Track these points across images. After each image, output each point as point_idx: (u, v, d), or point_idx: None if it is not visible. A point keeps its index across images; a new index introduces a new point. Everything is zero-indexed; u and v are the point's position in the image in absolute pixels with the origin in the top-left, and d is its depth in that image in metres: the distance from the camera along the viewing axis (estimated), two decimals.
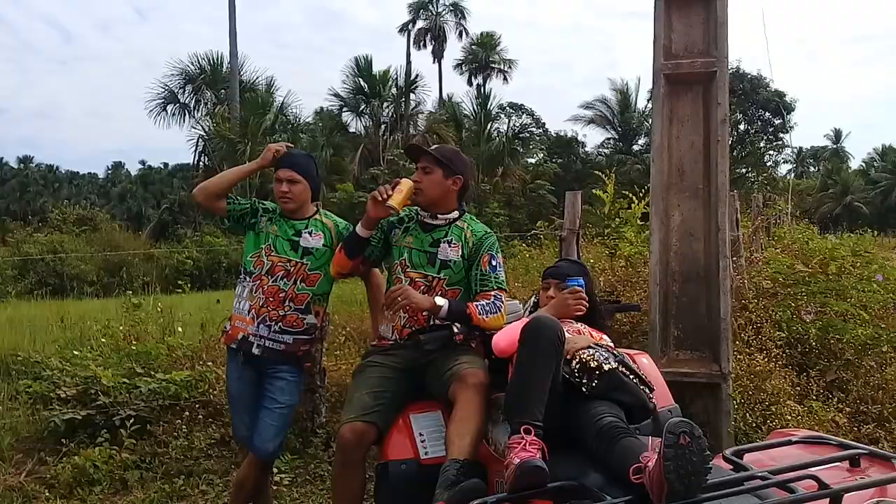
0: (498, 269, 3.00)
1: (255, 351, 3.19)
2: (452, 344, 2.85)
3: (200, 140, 28.02)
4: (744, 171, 30.21)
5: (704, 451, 1.75)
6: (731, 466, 2.10)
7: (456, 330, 2.86)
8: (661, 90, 4.13)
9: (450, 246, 2.98)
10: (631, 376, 2.47)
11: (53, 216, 24.70)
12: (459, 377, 2.65)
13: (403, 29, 40.87)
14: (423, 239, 3.02)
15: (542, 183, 28.94)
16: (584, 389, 2.37)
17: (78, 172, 66.65)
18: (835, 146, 56.55)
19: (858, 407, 4.41)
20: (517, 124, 35.38)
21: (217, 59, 29.56)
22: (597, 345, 2.58)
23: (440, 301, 2.83)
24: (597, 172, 9.04)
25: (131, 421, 4.39)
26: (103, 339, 5.65)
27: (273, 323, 3.19)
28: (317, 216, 3.38)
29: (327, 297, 3.43)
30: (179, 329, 5.96)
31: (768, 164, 33.05)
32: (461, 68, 41.72)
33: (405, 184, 2.92)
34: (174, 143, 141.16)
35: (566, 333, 2.52)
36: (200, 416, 4.61)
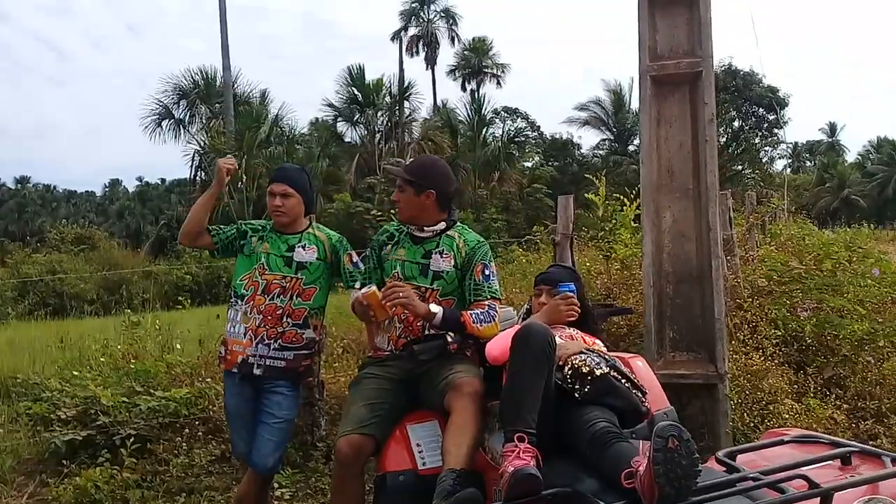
0: (491, 278, 3.01)
1: (257, 371, 3.20)
2: (447, 353, 2.88)
3: (196, 154, 28.06)
4: (739, 168, 30.24)
5: (694, 453, 1.76)
6: (724, 468, 2.12)
7: (450, 339, 2.89)
8: (647, 91, 4.16)
9: (441, 256, 2.99)
10: (623, 380, 2.49)
11: (51, 236, 24.75)
12: (454, 386, 2.66)
13: (395, 37, 41.00)
14: (414, 251, 3.04)
15: (538, 187, 28.91)
16: (576, 395, 2.38)
17: (75, 191, 66.95)
18: (830, 140, 56.65)
19: (857, 403, 4.42)
20: (512, 128, 35.38)
21: (210, 74, 29.59)
22: (589, 350, 2.60)
23: (435, 308, 2.85)
24: (588, 176, 9.05)
25: (132, 440, 4.39)
26: (102, 359, 5.65)
27: (272, 341, 3.20)
28: (310, 230, 3.40)
29: (324, 311, 3.44)
30: (178, 346, 5.97)
31: (763, 160, 33.07)
32: (454, 74, 41.85)
33: (370, 297, 2.86)
34: (170, 159, 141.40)
35: (558, 339, 2.54)
36: (200, 433, 4.62)
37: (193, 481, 4.30)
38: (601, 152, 36.37)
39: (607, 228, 6.77)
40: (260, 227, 3.42)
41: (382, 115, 31.55)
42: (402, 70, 35.64)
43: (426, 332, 2.92)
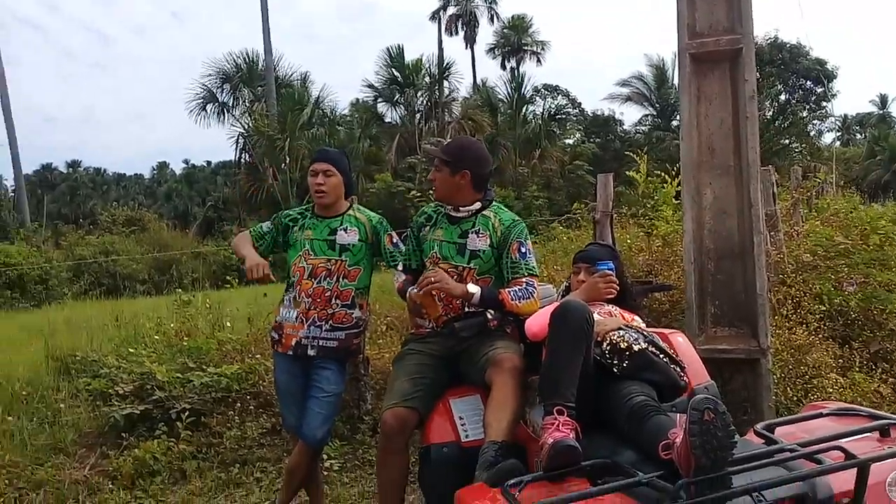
0: (528, 255, 3.06)
1: (311, 352, 3.32)
2: (487, 330, 2.94)
3: (240, 137, 28.53)
4: (786, 142, 29.49)
5: (729, 425, 1.79)
6: (762, 440, 2.15)
7: (490, 316, 2.94)
8: (687, 69, 4.13)
9: (478, 236, 3.05)
10: (661, 356, 2.51)
11: (103, 218, 25.40)
12: (495, 362, 2.72)
13: (434, 16, 40.83)
14: (451, 231, 3.09)
15: (580, 164, 28.64)
16: (615, 370, 2.42)
17: (125, 174, 68.07)
18: (881, 112, 54.71)
19: None
20: (553, 106, 35.01)
21: (252, 57, 29.94)
22: (627, 326, 2.63)
23: (472, 288, 2.91)
24: (629, 153, 8.96)
25: (186, 414, 4.58)
26: (156, 337, 5.86)
27: (323, 322, 3.32)
28: (350, 212, 3.47)
29: (368, 290, 3.53)
30: (228, 324, 6.14)
31: (811, 133, 32.17)
32: (494, 52, 41.52)
33: (425, 299, 2.93)
34: (216, 142, 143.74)
35: (597, 316, 2.58)
36: (252, 407, 4.79)
37: (246, 453, 4.48)
38: (644, 128, 35.77)
39: (649, 205, 6.74)
40: (299, 215, 3.50)
41: (422, 94, 31.52)
42: (441, 49, 35.56)
43: (466, 310, 2.97)
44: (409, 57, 30.92)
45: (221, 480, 4.25)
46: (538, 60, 41.15)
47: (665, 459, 1.91)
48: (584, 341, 2.37)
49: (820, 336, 4.50)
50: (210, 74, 29.74)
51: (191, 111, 29.82)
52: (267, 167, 26.16)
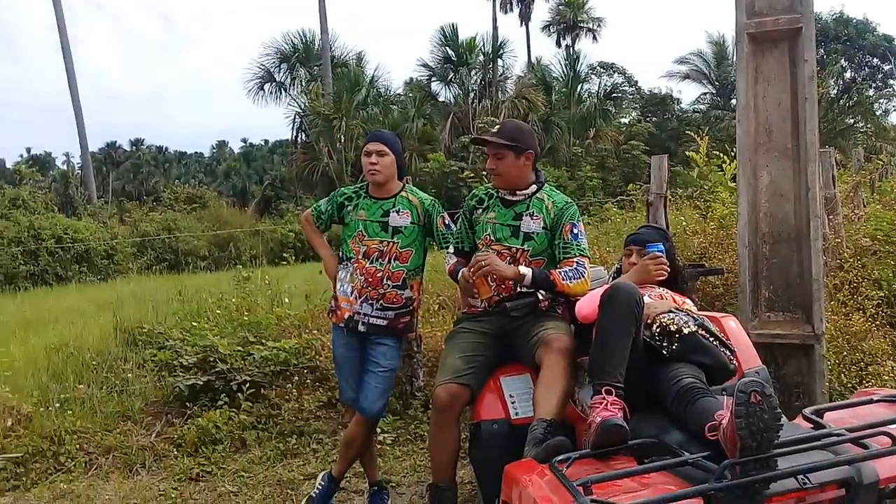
0: (580, 236, 3.08)
1: (361, 328, 3.43)
2: (538, 310, 2.98)
3: (297, 117, 28.93)
4: (851, 121, 28.45)
5: (776, 408, 1.80)
6: (811, 425, 2.16)
7: (541, 297, 2.98)
8: (745, 49, 4.05)
9: (532, 218, 3.08)
10: (711, 339, 2.53)
11: (166, 195, 26.15)
12: (545, 342, 2.77)
13: None
14: (505, 213, 3.13)
15: (636, 143, 28.06)
16: (664, 352, 2.45)
17: (185, 152, 69.30)
18: None
19: None
20: (608, 84, 34.35)
21: (309, 37, 30.23)
22: (677, 309, 2.65)
23: (524, 270, 2.95)
24: (689, 132, 8.81)
25: (247, 385, 4.76)
26: (218, 311, 6.07)
27: (374, 301, 3.41)
28: (403, 193, 3.53)
29: (421, 271, 3.60)
30: (286, 300, 6.32)
31: (878, 112, 30.92)
32: (549, 30, 40.90)
33: (477, 281, 2.96)
34: (273, 121, 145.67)
35: (647, 298, 2.61)
36: (309, 381, 4.96)
37: (303, 424, 4.65)
38: (702, 107, 34.90)
39: (706, 187, 6.64)
40: (353, 194, 3.58)
41: (476, 73, 31.34)
42: (495, 28, 35.10)
43: (518, 290, 3.01)
44: (464, 35, 30.78)
45: (280, 450, 4.43)
46: (594, 38, 40.42)
47: (711, 440, 1.94)
48: (633, 323, 2.41)
49: (877, 322, 4.42)
50: (268, 54, 30.17)
51: (249, 91, 30.34)
52: (322, 146, 26.52)
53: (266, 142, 60.77)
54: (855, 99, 28.30)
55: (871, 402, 2.31)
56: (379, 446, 4.25)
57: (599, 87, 33.46)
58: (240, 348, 5.10)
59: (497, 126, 3.16)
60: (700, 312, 2.81)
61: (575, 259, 3.03)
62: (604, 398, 2.27)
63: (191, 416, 4.72)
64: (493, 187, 3.22)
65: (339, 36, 35.28)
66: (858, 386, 3.92)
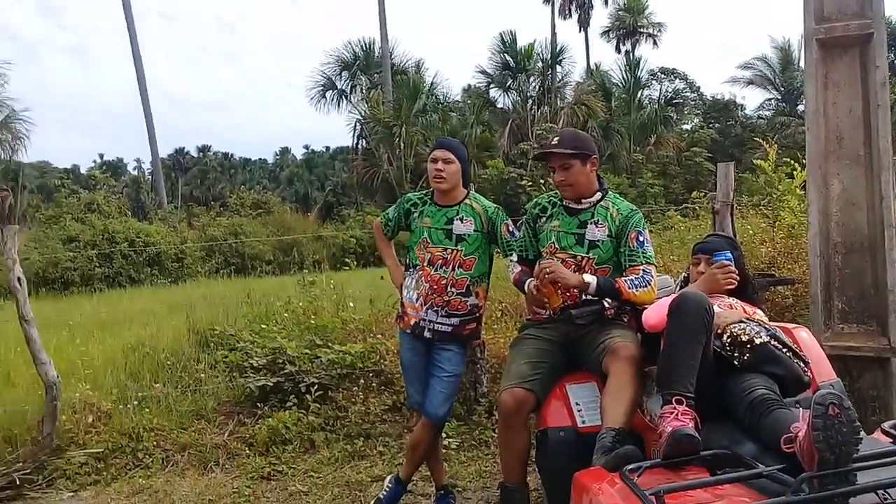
0: (645, 244, 3.07)
1: (427, 335, 3.49)
2: (604, 318, 2.98)
3: (357, 124, 29.39)
4: None
5: (854, 422, 1.77)
6: (890, 439, 2.12)
7: (607, 305, 2.97)
8: (813, 55, 3.98)
9: (597, 226, 3.09)
10: (784, 350, 2.50)
11: (233, 201, 26.80)
12: (612, 350, 2.77)
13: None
14: (569, 222, 3.14)
15: (698, 150, 27.53)
16: (735, 363, 2.43)
17: (250, 159, 71.05)
18: None
19: None
20: (669, 90, 33.95)
21: (369, 45, 30.68)
22: (749, 319, 2.62)
23: (588, 278, 2.95)
24: (756, 139, 8.63)
25: (315, 388, 4.87)
26: (285, 314, 6.22)
27: (440, 308, 3.47)
28: (467, 200, 3.56)
29: (486, 278, 3.62)
30: (351, 304, 6.44)
31: None
32: (608, 36, 40.57)
33: (545, 290, 2.98)
34: (334, 128, 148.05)
35: (717, 308, 2.58)
36: (374, 385, 5.05)
37: (370, 427, 4.73)
38: (767, 113, 34.05)
39: (774, 195, 6.50)
40: (419, 201, 3.64)
41: (535, 80, 31.28)
42: (554, 34, 34.97)
43: (583, 298, 3.01)
44: (522, 42, 30.77)
45: (347, 452, 4.51)
46: (654, 43, 39.97)
47: (787, 453, 1.91)
48: (703, 333, 2.39)
49: None
50: (329, 63, 30.80)
51: (311, 98, 31.02)
52: (382, 153, 26.85)
53: (327, 148, 61.90)
54: None
55: None
56: (444, 451, 4.29)
57: (660, 92, 33.12)
58: (307, 351, 5.22)
59: (556, 138, 3.16)
60: (771, 323, 2.77)
61: (641, 267, 3.02)
62: (674, 408, 2.25)
63: (261, 416, 4.85)
64: (555, 195, 3.24)
65: (398, 43, 35.66)
66: None
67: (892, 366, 3.85)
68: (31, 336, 4.55)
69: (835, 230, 4.04)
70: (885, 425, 2.20)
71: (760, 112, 34.84)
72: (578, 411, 2.86)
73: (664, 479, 2.01)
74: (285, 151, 70.96)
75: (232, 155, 68.69)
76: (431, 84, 30.33)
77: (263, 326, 5.81)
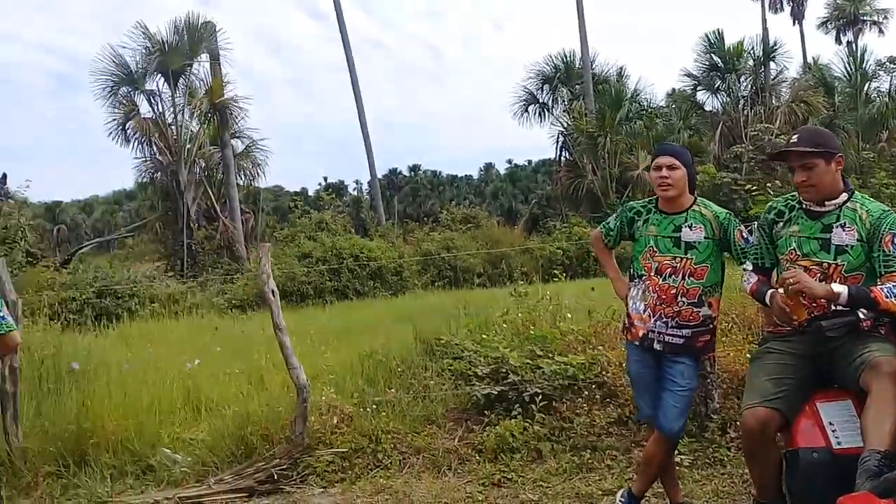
0: None
1: (657, 347, 3.42)
2: (858, 331, 2.78)
3: (560, 135, 29.46)
4: None
5: None
6: None
7: (862, 316, 2.77)
8: None
9: (844, 230, 2.89)
10: None
11: (444, 217, 27.89)
12: (872, 365, 2.59)
13: None
14: (811, 226, 2.96)
15: None
16: None
17: (456, 175, 73.89)
18: None
19: None
20: None
21: (569, 57, 30.64)
22: None
23: (837, 287, 2.75)
24: None
25: (539, 398, 4.94)
26: (504, 325, 6.34)
27: (669, 319, 3.39)
28: (695, 206, 3.45)
29: (719, 287, 3.48)
30: (569, 315, 6.46)
31: None
32: (826, 27, 37.25)
33: (790, 302, 2.83)
34: (535, 141, 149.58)
35: None
36: (598, 397, 5.02)
37: (595, 440, 4.71)
38: None
39: None
40: (643, 209, 3.58)
41: (745, 79, 29.39)
42: (765, 29, 32.55)
43: (833, 308, 2.82)
44: (729, 40, 29.06)
45: (574, 463, 4.52)
46: (880, 31, 36.14)
47: None
48: None
49: None
50: (531, 77, 31.14)
51: (514, 113, 31.55)
52: (586, 163, 26.65)
53: (529, 162, 62.68)
54: None
55: None
56: (677, 468, 4.16)
57: (890, 84, 29.70)
58: (528, 361, 5.28)
59: (795, 136, 3.00)
60: None
61: None
62: None
63: (488, 424, 4.99)
64: (792, 198, 3.07)
65: (598, 53, 35.23)
66: None
67: None
68: (284, 342, 4.96)
69: None
70: None
71: None
72: (833, 432, 2.69)
73: None
74: (489, 167, 72.85)
75: (440, 172, 71.74)
76: (634, 91, 29.60)
77: (484, 336, 5.97)
